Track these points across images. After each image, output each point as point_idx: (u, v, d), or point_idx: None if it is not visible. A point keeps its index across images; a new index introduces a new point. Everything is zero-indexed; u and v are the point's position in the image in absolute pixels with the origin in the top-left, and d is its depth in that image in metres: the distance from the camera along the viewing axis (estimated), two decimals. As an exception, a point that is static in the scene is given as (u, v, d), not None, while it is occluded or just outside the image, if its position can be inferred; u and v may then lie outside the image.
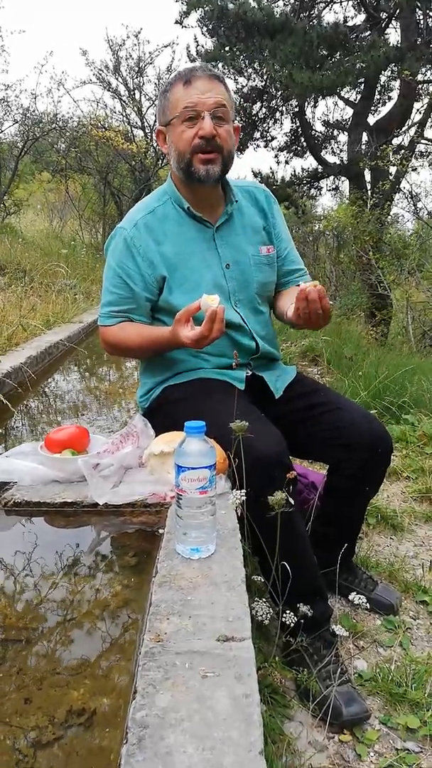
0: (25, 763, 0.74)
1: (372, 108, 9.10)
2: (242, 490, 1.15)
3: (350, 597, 1.18)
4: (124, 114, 11.00)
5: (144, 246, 1.51)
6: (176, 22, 9.03)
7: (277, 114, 10.14)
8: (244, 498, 1.14)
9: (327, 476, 1.62)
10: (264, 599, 1.15)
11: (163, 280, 1.52)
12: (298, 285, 1.65)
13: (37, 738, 0.78)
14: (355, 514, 1.63)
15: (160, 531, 1.18)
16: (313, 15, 8.68)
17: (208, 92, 1.41)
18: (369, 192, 7.98)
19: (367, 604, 1.17)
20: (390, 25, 8.26)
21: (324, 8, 8.90)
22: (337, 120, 10.08)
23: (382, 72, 8.31)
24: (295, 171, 10.46)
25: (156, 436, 1.42)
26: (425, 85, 8.05)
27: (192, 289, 1.51)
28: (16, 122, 9.92)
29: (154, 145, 10.20)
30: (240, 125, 1.53)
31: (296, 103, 9.49)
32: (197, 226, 1.55)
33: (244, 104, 9.92)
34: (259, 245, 1.61)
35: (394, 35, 8.41)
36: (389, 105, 8.89)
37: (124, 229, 1.54)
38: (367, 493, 1.59)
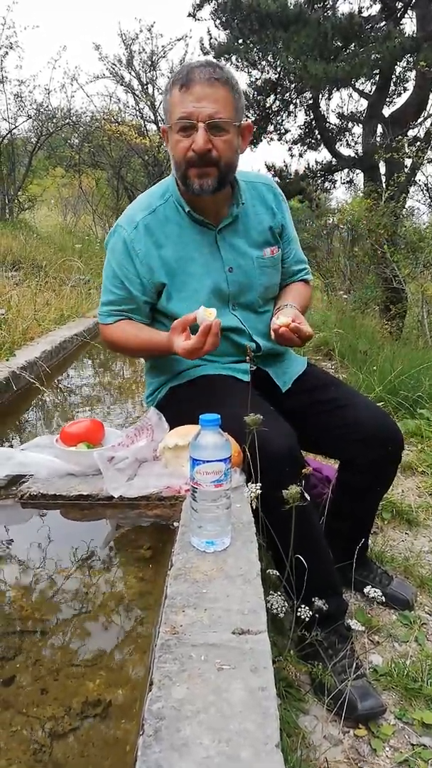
0: (42, 753, 0.75)
1: (387, 99, 8.99)
2: (257, 484, 1.15)
3: (365, 591, 1.17)
4: (137, 108, 10.99)
5: (144, 250, 1.48)
6: (189, 15, 8.99)
7: (291, 106, 10.04)
8: (259, 492, 1.13)
9: (338, 472, 1.61)
10: (279, 593, 1.15)
11: (162, 285, 1.50)
12: (304, 280, 1.66)
13: (54, 728, 0.78)
14: (367, 510, 1.62)
15: (175, 524, 1.18)
16: (328, 6, 8.57)
17: (204, 100, 1.32)
18: (384, 185, 7.90)
19: (383, 599, 1.16)
20: (406, 15, 8.15)
21: (338, -1, 8.80)
22: (351, 112, 9.96)
23: (398, 63, 8.18)
24: (309, 164, 10.36)
25: (170, 429, 1.42)
26: (441, 75, 7.93)
27: (190, 296, 1.49)
28: (30, 118, 9.96)
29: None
30: (251, 123, 1.45)
31: (310, 96, 9.41)
32: (199, 228, 1.50)
33: (258, 97, 9.84)
34: (263, 248, 1.56)
35: (409, 25, 8.33)
36: (405, 96, 8.79)
37: (123, 228, 1.51)
38: (378, 490, 1.58)
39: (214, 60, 1.40)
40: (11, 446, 1.66)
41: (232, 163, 1.42)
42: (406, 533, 2.07)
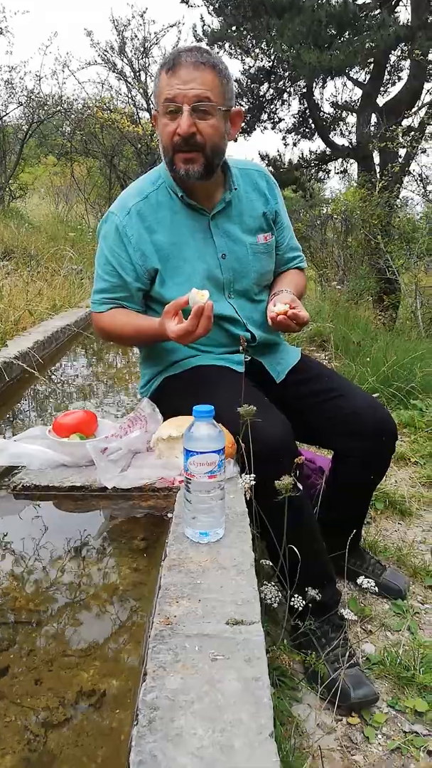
0: (36, 743, 0.75)
1: (381, 89, 8.96)
2: (251, 475, 1.15)
3: (358, 581, 1.18)
4: (129, 96, 10.88)
5: (136, 236, 1.47)
6: (182, 1, 8.90)
7: (285, 95, 9.99)
8: (253, 482, 1.13)
9: (332, 463, 1.61)
10: (273, 583, 1.16)
11: (155, 271, 1.49)
12: (298, 268, 1.64)
13: (48, 718, 0.78)
14: (360, 501, 1.63)
15: (169, 515, 1.18)
16: (322, -7, 8.51)
17: (191, 82, 1.31)
18: (378, 175, 7.88)
19: (375, 589, 1.17)
20: (400, 4, 8.10)
21: (333, -14, 8.72)
22: (345, 101, 9.93)
23: (392, 52, 8.17)
24: (302, 153, 10.32)
25: (164, 420, 1.42)
26: (436, 64, 7.89)
27: (184, 281, 1.48)
28: (21, 105, 9.84)
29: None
30: (242, 109, 1.44)
31: (304, 84, 9.35)
32: (192, 214, 1.49)
33: (251, 85, 9.78)
34: (257, 234, 1.56)
35: (404, 14, 8.26)
36: (399, 85, 8.76)
37: (115, 215, 1.50)
38: (372, 479, 1.59)
39: (205, 46, 1.38)
40: (4, 437, 1.65)
41: (219, 147, 1.41)
42: (399, 523, 2.08)
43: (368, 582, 1.15)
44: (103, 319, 1.55)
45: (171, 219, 1.48)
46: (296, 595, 1.16)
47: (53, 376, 2.70)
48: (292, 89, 9.88)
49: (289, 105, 10.24)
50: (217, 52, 9.07)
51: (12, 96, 9.66)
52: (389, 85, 9.31)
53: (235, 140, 1.60)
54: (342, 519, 1.58)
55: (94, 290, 1.57)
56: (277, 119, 10.22)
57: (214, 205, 1.50)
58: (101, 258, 1.54)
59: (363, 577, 1.20)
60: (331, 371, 1.67)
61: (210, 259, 1.50)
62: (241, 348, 1.52)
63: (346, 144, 9.61)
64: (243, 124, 10.01)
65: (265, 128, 10.23)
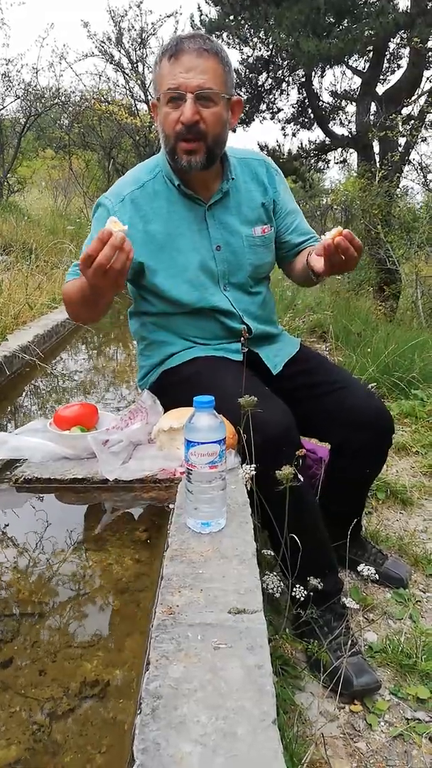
0: (41, 734, 0.76)
1: (381, 77, 8.87)
2: (252, 465, 1.15)
3: (359, 569, 1.18)
4: (127, 87, 10.80)
5: (127, 224, 1.41)
6: (179, -10, 8.81)
7: (284, 85, 9.91)
8: (254, 473, 1.13)
9: (330, 455, 1.61)
10: (275, 573, 1.16)
11: (140, 265, 1.46)
12: (315, 246, 1.52)
13: (52, 709, 0.79)
14: (358, 492, 1.62)
15: (171, 506, 1.18)
16: (320, -20, 8.43)
17: (193, 70, 1.30)
18: (378, 164, 7.83)
19: (376, 576, 1.17)
20: (399, -10, 8.01)
21: (331, -27, 8.63)
22: (345, 90, 9.84)
23: (391, 39, 8.08)
24: (302, 143, 10.26)
25: (164, 412, 1.42)
26: (436, 52, 7.82)
27: (177, 272, 1.47)
28: (18, 98, 9.78)
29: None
30: (242, 98, 1.43)
31: (303, 73, 9.27)
32: (188, 204, 1.48)
33: (250, 75, 9.69)
34: (253, 225, 1.54)
35: (403, 1, 8.18)
36: (398, 74, 8.67)
37: (108, 200, 1.49)
38: (368, 473, 1.58)
39: (205, 33, 1.36)
40: (5, 431, 1.66)
41: (221, 137, 1.40)
42: (400, 513, 2.09)
43: (368, 569, 1.15)
44: (65, 286, 1.49)
45: (167, 209, 1.47)
46: (298, 585, 1.16)
47: (54, 370, 2.70)
48: (290, 79, 9.79)
49: (288, 95, 10.16)
50: (215, 42, 9.07)
51: (9, 89, 9.61)
52: (389, 74, 9.22)
53: (234, 130, 1.58)
54: (341, 510, 1.58)
55: (74, 263, 1.51)
56: (275, 109, 10.14)
57: (211, 195, 1.49)
58: (88, 239, 1.51)
59: (364, 565, 1.20)
60: (329, 363, 1.66)
61: (204, 250, 1.49)
62: (242, 339, 1.52)
63: (346, 133, 9.54)
64: (242, 115, 9.99)
65: (264, 118, 10.15)
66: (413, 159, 7.80)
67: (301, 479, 1.13)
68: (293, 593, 1.16)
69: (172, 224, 1.47)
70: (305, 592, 1.15)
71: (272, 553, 1.24)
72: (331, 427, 1.50)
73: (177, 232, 1.47)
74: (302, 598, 1.16)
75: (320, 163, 10.77)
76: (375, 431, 1.47)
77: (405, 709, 1.28)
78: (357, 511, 1.65)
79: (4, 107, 9.69)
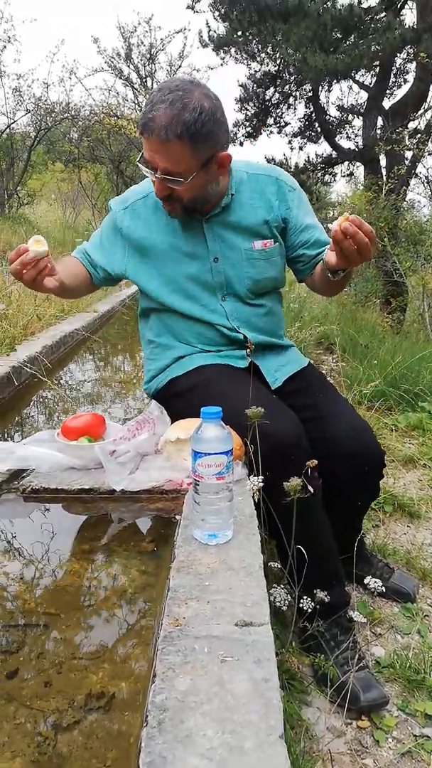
0: (46, 746, 0.75)
1: (387, 91, 8.93)
2: (259, 477, 1.14)
3: (365, 581, 1.17)
4: (136, 102, 10.95)
5: (125, 230, 1.55)
6: (188, 7, 8.93)
7: (291, 99, 10.00)
8: (261, 484, 1.13)
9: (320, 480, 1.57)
10: (282, 586, 1.15)
11: (135, 272, 1.57)
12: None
13: (58, 721, 0.78)
14: (349, 520, 1.57)
15: (177, 517, 1.18)
16: (327, -3, 8.53)
17: (157, 154, 1.30)
18: (384, 177, 7.87)
19: (383, 588, 1.16)
20: (406, 6, 8.09)
21: (338, -11, 8.73)
22: (351, 104, 9.91)
23: (398, 54, 8.14)
24: (309, 157, 10.33)
25: (171, 422, 1.42)
26: (442, 67, 7.87)
27: (170, 281, 1.52)
28: (29, 112, 9.93)
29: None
30: (230, 154, 1.39)
31: (310, 88, 9.35)
32: (187, 216, 1.49)
33: (257, 90, 9.80)
34: (253, 239, 1.53)
35: (410, 16, 8.25)
36: (405, 88, 8.73)
37: (116, 204, 1.60)
38: (357, 504, 1.54)
39: (187, 87, 1.27)
40: (13, 441, 1.66)
41: (198, 196, 1.41)
42: (408, 526, 2.07)
43: (375, 582, 1.14)
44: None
45: (166, 221, 1.51)
46: (305, 597, 1.16)
47: (62, 381, 2.71)
48: (297, 93, 9.88)
49: (295, 109, 10.26)
50: (223, 58, 9.15)
51: (20, 103, 9.76)
52: (395, 88, 9.29)
53: (241, 144, 1.60)
54: (337, 530, 1.54)
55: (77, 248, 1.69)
56: (283, 123, 10.22)
57: (210, 209, 1.50)
58: (97, 232, 1.67)
59: (370, 578, 1.19)
60: (326, 386, 1.59)
61: (201, 261, 1.51)
62: (247, 352, 1.52)
63: (352, 147, 9.60)
64: (249, 129, 10.08)
65: (271, 132, 10.24)
66: (420, 172, 7.84)
67: (311, 490, 1.13)
68: (300, 605, 1.16)
69: (170, 235, 1.51)
70: (312, 604, 1.15)
71: (279, 566, 1.23)
72: (316, 455, 1.44)
73: (175, 243, 1.51)
74: (309, 610, 1.15)
75: (327, 177, 10.84)
76: (358, 465, 1.42)
77: (413, 725, 1.26)
78: (352, 535, 1.58)
79: (15, 121, 9.84)
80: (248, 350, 1.52)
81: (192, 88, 1.27)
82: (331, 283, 1.45)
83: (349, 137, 10.06)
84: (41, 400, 2.40)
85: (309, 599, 1.15)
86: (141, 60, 10.76)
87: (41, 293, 1.42)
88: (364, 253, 1.24)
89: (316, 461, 1.17)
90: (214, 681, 0.73)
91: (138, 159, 1.37)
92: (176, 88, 1.26)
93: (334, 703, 1.27)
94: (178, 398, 1.53)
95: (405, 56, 8.56)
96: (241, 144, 10.14)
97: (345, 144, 9.82)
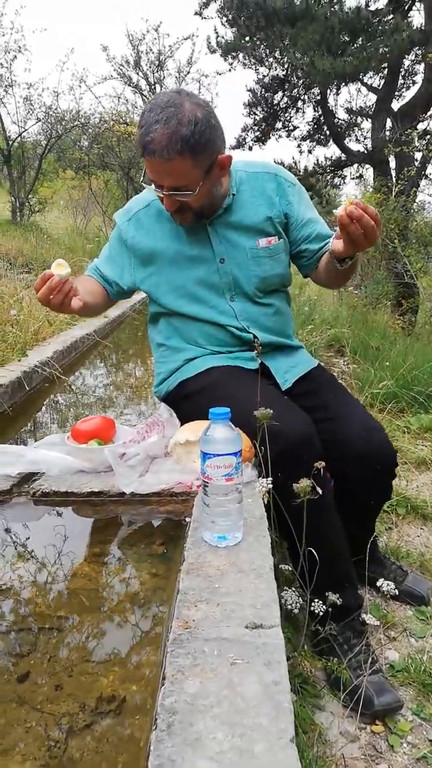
0: (57, 749, 0.75)
1: (396, 93, 8.92)
2: (269, 478, 1.14)
3: (378, 584, 1.16)
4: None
5: (130, 241, 1.57)
6: (196, 13, 9.01)
7: (299, 103, 10.02)
8: (270, 486, 1.12)
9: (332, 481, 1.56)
10: (293, 588, 1.14)
11: (143, 281, 1.59)
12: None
13: (69, 725, 0.78)
14: (362, 520, 1.56)
15: (187, 519, 1.17)
16: (334, 0, 8.53)
17: (162, 173, 1.31)
18: (394, 179, 7.84)
19: (395, 592, 1.14)
20: (413, 8, 8.08)
21: (345, -7, 8.73)
22: (360, 107, 9.91)
23: (406, 56, 8.14)
24: (318, 160, 10.34)
25: (181, 425, 1.42)
26: (451, 67, 7.84)
27: (176, 288, 1.53)
28: (39, 120, 10.02)
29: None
30: (230, 156, 1.40)
31: (318, 91, 9.36)
32: (195, 222, 1.49)
33: (266, 94, 9.83)
34: (257, 237, 1.53)
35: (417, 18, 8.24)
36: (414, 90, 8.71)
37: (120, 216, 1.61)
38: (370, 504, 1.53)
39: (177, 101, 1.27)
40: (24, 445, 1.67)
41: (206, 202, 1.43)
42: (421, 528, 2.05)
43: (388, 585, 1.13)
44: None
45: (169, 227, 1.53)
46: (316, 600, 1.14)
47: (72, 385, 2.73)
48: (306, 97, 9.90)
49: (304, 112, 10.27)
50: (231, 63, 9.18)
51: (31, 112, 9.85)
52: (404, 90, 9.27)
53: (250, 148, 1.61)
54: (349, 531, 1.53)
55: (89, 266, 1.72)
56: (291, 127, 10.25)
57: (213, 211, 1.50)
58: (106, 246, 1.69)
59: (383, 580, 1.18)
60: (336, 388, 1.58)
61: (208, 264, 1.51)
62: (256, 352, 1.52)
63: (362, 149, 9.58)
64: (258, 133, 10.10)
65: (280, 136, 10.26)
66: (430, 174, 7.80)
67: (320, 492, 1.11)
68: (312, 608, 1.15)
69: (175, 241, 1.52)
70: (324, 607, 1.13)
71: (290, 568, 1.22)
72: (327, 457, 1.44)
73: (180, 249, 1.51)
74: (321, 613, 1.14)
75: (336, 179, 10.83)
76: (371, 466, 1.41)
77: (428, 730, 1.24)
78: (364, 536, 1.54)
79: (26, 130, 9.93)
80: (256, 350, 1.51)
81: (182, 101, 1.27)
82: (338, 272, 1.44)
83: (358, 140, 10.06)
84: (52, 404, 2.41)
85: (321, 602, 1.14)
86: (150, 67, 10.85)
87: (65, 313, 1.43)
88: (370, 236, 1.23)
89: (323, 462, 1.16)
90: (224, 684, 0.72)
91: (142, 179, 1.38)
92: (167, 104, 1.26)
93: (347, 708, 1.26)
94: (188, 400, 1.52)
95: (413, 58, 8.56)
96: (250, 148, 10.18)
97: (354, 146, 9.82)
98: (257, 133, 10.14)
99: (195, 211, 1.42)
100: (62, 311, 1.38)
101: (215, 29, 9.35)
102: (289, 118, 10.22)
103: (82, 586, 1.06)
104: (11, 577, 1.08)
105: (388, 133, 8.34)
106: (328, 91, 9.41)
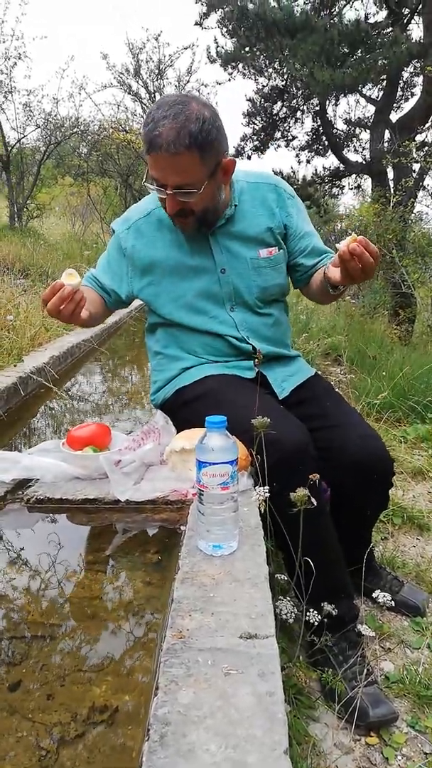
0: (48, 759, 0.74)
1: (394, 105, 8.99)
2: (265, 487, 1.13)
3: (374, 595, 1.15)
4: (144, 117, 11.06)
5: (129, 250, 1.56)
6: (196, 23, 9.06)
7: (298, 113, 10.09)
8: (267, 495, 1.12)
9: (329, 490, 1.56)
10: (288, 598, 1.14)
11: (141, 291, 1.57)
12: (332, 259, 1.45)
13: (60, 734, 0.77)
14: (359, 529, 1.55)
15: (182, 528, 1.17)
16: (334, 13, 8.59)
17: (168, 169, 1.30)
18: (392, 190, 7.89)
19: (391, 603, 1.14)
20: (412, 21, 8.15)
21: (345, 5, 8.79)
22: (358, 118, 9.97)
23: (405, 68, 8.20)
24: (316, 170, 10.40)
25: (177, 432, 1.42)
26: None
27: (176, 298, 1.52)
28: (38, 127, 10.07)
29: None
30: (234, 160, 1.41)
31: (317, 102, 9.43)
32: (196, 230, 1.50)
33: (265, 104, 9.89)
34: (258, 248, 1.54)
35: (416, 31, 8.30)
36: (412, 101, 8.78)
37: (118, 225, 1.60)
38: (369, 514, 1.53)
39: (184, 99, 1.28)
40: (19, 451, 1.66)
41: (210, 206, 1.42)
42: (417, 538, 2.04)
43: (384, 596, 1.12)
44: None
45: (170, 237, 1.52)
46: (312, 610, 1.14)
47: (69, 391, 2.72)
48: (305, 107, 9.97)
49: (303, 123, 10.35)
50: (231, 73, 9.24)
51: (30, 119, 9.90)
52: (402, 101, 9.35)
53: (249, 158, 1.62)
54: (346, 541, 1.52)
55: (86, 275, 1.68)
56: (290, 137, 10.31)
57: (214, 221, 1.50)
58: (104, 255, 1.66)
59: (379, 591, 1.17)
60: (333, 397, 1.59)
61: (209, 274, 1.51)
62: (255, 362, 1.51)
63: (360, 160, 9.64)
64: (256, 143, 10.16)
65: (279, 146, 10.32)
66: (427, 185, 7.86)
67: (315, 503, 1.11)
68: (307, 618, 1.14)
69: (176, 251, 1.51)
70: (319, 617, 1.13)
71: (285, 577, 1.21)
72: (325, 465, 1.40)
73: (181, 259, 1.51)
74: (316, 623, 1.13)
75: (335, 189, 10.88)
76: (367, 474, 1.41)
77: (423, 742, 1.23)
78: (361, 547, 1.54)
79: (25, 136, 9.97)
80: (256, 360, 1.51)
81: (189, 100, 1.30)
82: (329, 294, 1.48)
83: (357, 150, 10.13)
84: (47, 410, 2.40)
85: (316, 612, 1.13)
86: (150, 76, 10.91)
87: (72, 323, 1.42)
88: (368, 272, 1.26)
89: (318, 475, 1.15)
90: (218, 694, 0.72)
91: (144, 180, 1.38)
92: (174, 102, 1.28)
93: (342, 719, 1.25)
94: (185, 408, 1.52)
95: (412, 70, 8.63)
96: (249, 158, 10.23)
97: (352, 157, 9.88)
98: (256, 143, 10.20)
99: (197, 216, 1.41)
100: (71, 321, 1.36)
101: (215, 39, 9.43)
102: (288, 128, 10.29)
103: (75, 594, 1.05)
104: (4, 585, 1.07)
105: (386, 144, 8.40)
106: (327, 102, 9.48)
